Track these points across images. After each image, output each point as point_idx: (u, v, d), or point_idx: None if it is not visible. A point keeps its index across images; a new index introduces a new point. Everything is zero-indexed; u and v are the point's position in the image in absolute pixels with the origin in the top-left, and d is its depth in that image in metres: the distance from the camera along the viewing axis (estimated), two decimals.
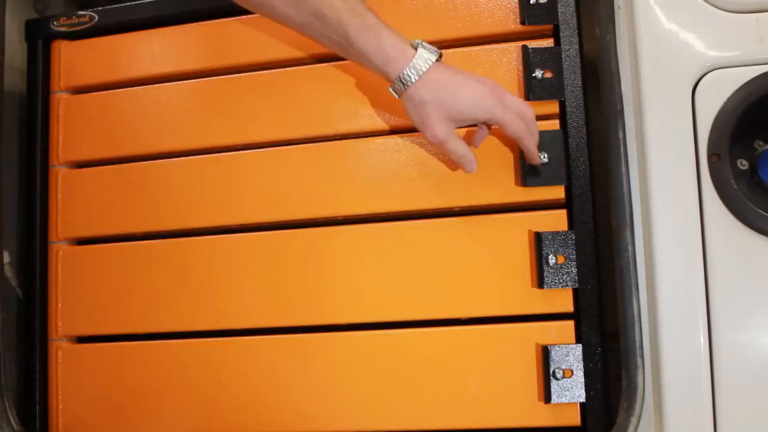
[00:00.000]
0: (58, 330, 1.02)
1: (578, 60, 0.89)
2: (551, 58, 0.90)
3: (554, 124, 0.89)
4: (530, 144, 0.83)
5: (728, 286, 0.79)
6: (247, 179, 0.97)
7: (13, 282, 1.08)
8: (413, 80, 0.80)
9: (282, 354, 0.94)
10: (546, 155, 0.87)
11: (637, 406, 0.79)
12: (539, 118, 0.87)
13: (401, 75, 0.80)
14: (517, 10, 0.92)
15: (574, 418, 0.86)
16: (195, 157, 0.99)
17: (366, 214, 0.93)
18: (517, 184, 0.89)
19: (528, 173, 0.88)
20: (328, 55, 0.94)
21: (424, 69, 0.80)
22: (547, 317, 0.88)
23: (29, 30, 1.08)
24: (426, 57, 0.80)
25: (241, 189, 0.97)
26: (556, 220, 0.88)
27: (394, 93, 0.83)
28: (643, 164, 0.83)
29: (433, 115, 0.80)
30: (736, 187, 0.80)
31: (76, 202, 1.04)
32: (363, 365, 0.91)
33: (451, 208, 0.92)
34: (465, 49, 0.93)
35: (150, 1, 1.05)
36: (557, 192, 0.88)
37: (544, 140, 0.87)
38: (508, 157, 0.90)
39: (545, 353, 0.85)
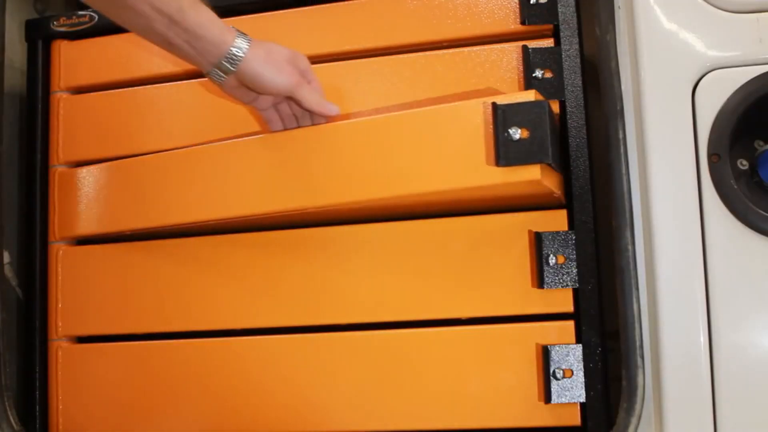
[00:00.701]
0: (58, 330, 1.02)
1: (578, 60, 0.89)
2: (551, 58, 0.90)
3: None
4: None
5: (728, 286, 0.79)
6: (246, 175, 0.97)
7: (13, 282, 1.08)
8: (250, 42, 0.82)
9: (281, 354, 0.94)
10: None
11: (637, 406, 0.79)
12: None
13: (240, 39, 0.81)
14: (517, 10, 0.92)
15: (574, 418, 0.86)
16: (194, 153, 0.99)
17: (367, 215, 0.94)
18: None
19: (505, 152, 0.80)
20: None
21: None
22: (547, 317, 0.88)
23: (29, 30, 1.09)
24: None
25: (241, 187, 0.97)
26: (556, 220, 0.88)
27: (227, 65, 0.82)
28: (643, 164, 0.83)
29: (284, 61, 0.84)
30: (736, 187, 0.80)
31: (76, 202, 1.04)
32: (363, 365, 0.91)
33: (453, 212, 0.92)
34: (465, 49, 0.93)
35: None
36: (533, 172, 0.78)
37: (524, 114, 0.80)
38: None
39: (545, 353, 0.85)
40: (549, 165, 0.78)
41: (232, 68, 0.82)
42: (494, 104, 0.77)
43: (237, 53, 0.81)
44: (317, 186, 0.86)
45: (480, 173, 0.78)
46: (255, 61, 0.82)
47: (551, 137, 0.76)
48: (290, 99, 0.88)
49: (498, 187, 0.79)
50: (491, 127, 0.77)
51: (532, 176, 0.76)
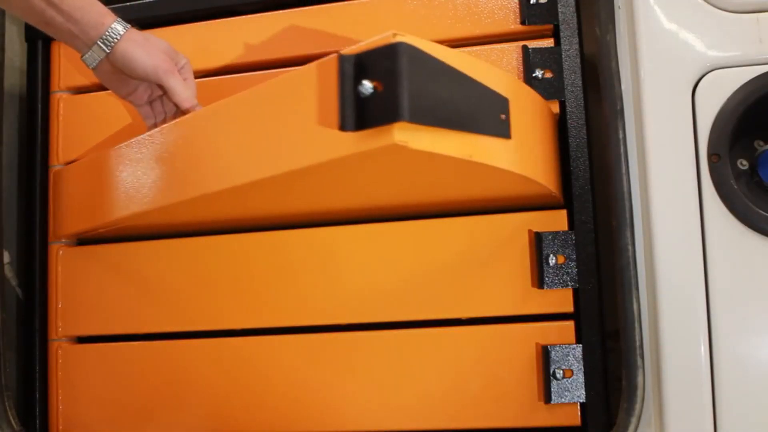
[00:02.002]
0: (58, 330, 1.02)
1: (578, 60, 0.89)
2: (551, 58, 0.90)
3: None
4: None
5: (728, 286, 0.79)
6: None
7: (13, 282, 1.08)
8: (129, 28, 0.83)
9: (281, 354, 0.94)
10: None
11: (637, 406, 0.79)
12: None
13: (117, 24, 0.82)
14: (517, 10, 0.92)
15: (574, 418, 0.86)
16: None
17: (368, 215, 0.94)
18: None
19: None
20: None
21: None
22: (547, 317, 0.88)
23: (29, 30, 1.09)
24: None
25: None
26: (556, 220, 0.88)
27: (102, 46, 0.82)
28: (643, 164, 0.83)
29: (159, 50, 0.84)
30: (736, 187, 0.80)
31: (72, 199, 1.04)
32: (363, 365, 0.91)
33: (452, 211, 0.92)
34: (465, 49, 0.93)
35: (150, 1, 1.05)
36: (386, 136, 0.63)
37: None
38: None
39: (545, 353, 0.85)
40: (431, 126, 0.61)
41: (106, 50, 0.82)
42: (339, 55, 0.61)
43: (112, 34, 0.82)
44: (182, 178, 0.81)
45: (327, 144, 0.64)
46: (128, 43, 0.83)
47: (411, 86, 0.59)
48: (164, 95, 0.88)
49: (355, 159, 0.64)
50: (335, 83, 0.62)
51: (386, 141, 0.59)
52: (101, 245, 1.03)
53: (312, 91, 0.65)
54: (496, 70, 0.72)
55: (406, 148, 0.60)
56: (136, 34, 0.84)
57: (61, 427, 1.01)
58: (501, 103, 0.70)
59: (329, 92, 0.63)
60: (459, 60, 0.65)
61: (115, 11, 0.85)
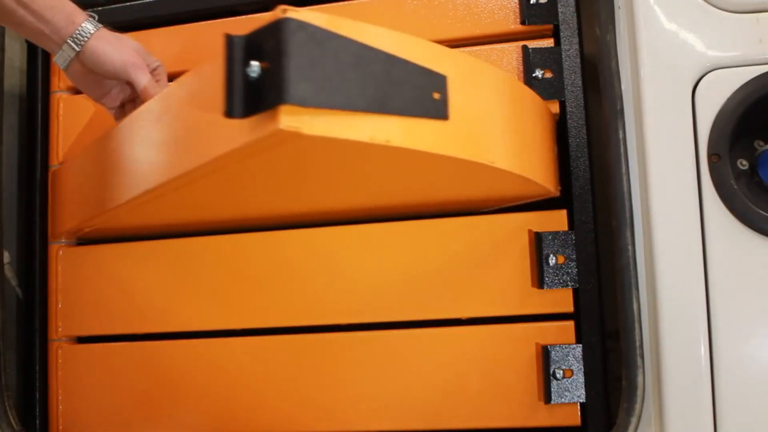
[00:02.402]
0: (58, 330, 1.02)
1: (578, 60, 0.89)
2: (551, 58, 0.90)
3: None
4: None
5: (728, 286, 0.79)
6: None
7: (13, 282, 1.08)
8: (100, 27, 0.82)
9: (282, 354, 0.94)
10: None
11: (637, 406, 0.79)
12: None
13: (88, 23, 0.82)
14: (517, 10, 0.92)
15: (574, 418, 0.86)
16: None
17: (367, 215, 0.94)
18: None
19: None
20: None
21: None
22: (547, 317, 0.88)
23: None
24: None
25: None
26: (556, 220, 0.88)
27: (73, 44, 0.82)
28: (643, 164, 0.83)
29: (130, 48, 0.84)
30: (736, 187, 0.80)
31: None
32: (363, 365, 0.91)
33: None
34: (465, 49, 0.93)
35: (150, 1, 1.05)
36: (270, 122, 0.55)
37: None
38: None
39: (545, 353, 0.85)
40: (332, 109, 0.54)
41: (76, 48, 0.82)
42: (227, 35, 0.55)
43: (83, 33, 0.81)
44: (118, 183, 0.82)
45: (222, 136, 0.59)
46: (98, 41, 0.82)
47: (299, 65, 0.52)
48: (137, 98, 0.87)
49: (246, 152, 0.58)
50: (223, 67, 0.55)
51: (272, 127, 0.52)
52: (101, 245, 1.03)
53: (209, 80, 0.61)
54: (435, 46, 0.64)
55: (299, 135, 0.53)
56: (107, 33, 0.83)
57: (61, 427, 1.01)
58: (434, 81, 0.62)
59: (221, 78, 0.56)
60: (378, 36, 0.58)
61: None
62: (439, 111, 0.62)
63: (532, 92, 0.82)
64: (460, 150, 0.64)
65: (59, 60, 0.84)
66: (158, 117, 0.74)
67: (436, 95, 0.62)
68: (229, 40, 0.55)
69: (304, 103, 0.52)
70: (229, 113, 0.54)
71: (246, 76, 0.54)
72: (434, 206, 0.92)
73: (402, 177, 0.77)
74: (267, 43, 0.53)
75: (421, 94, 0.61)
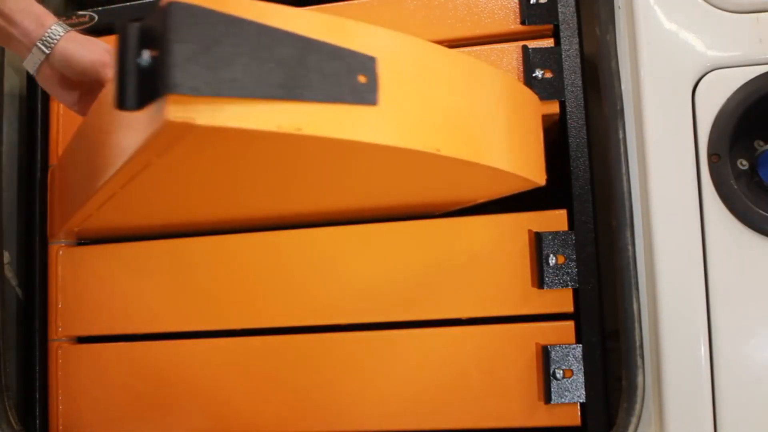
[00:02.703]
0: (58, 330, 1.02)
1: (578, 60, 0.89)
2: (551, 58, 0.90)
3: None
4: None
5: (728, 286, 0.79)
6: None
7: (13, 282, 1.08)
8: (69, 30, 0.81)
9: (282, 354, 0.94)
10: None
11: (637, 406, 0.79)
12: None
13: (57, 26, 0.81)
14: (517, 10, 0.92)
15: (574, 418, 0.86)
16: None
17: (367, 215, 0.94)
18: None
19: None
20: None
21: None
22: (547, 317, 0.88)
23: None
24: None
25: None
26: (556, 220, 0.88)
27: (42, 47, 0.81)
28: (643, 164, 0.83)
29: (101, 48, 0.82)
30: (736, 187, 0.80)
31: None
32: (363, 365, 0.91)
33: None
34: (465, 49, 0.93)
35: (150, 1, 1.05)
36: (157, 115, 0.53)
37: None
38: None
39: (545, 353, 0.85)
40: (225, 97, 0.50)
41: (45, 51, 0.81)
42: (121, 23, 0.53)
43: (52, 35, 0.81)
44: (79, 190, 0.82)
45: (129, 134, 0.56)
46: (68, 42, 0.81)
47: (185, 52, 0.48)
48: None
49: (156, 148, 0.55)
50: (116, 57, 0.53)
51: (160, 118, 0.49)
52: (101, 245, 1.03)
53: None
54: (367, 26, 0.59)
55: (192, 126, 0.49)
56: (77, 35, 0.82)
57: (61, 427, 1.01)
58: (360, 64, 0.57)
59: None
60: (292, 18, 0.55)
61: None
62: (365, 96, 0.57)
63: (504, 75, 0.75)
64: (394, 138, 0.59)
65: (29, 64, 0.83)
66: (99, 116, 0.73)
67: (362, 79, 0.57)
68: (123, 28, 0.52)
69: (196, 91, 0.49)
70: (121, 105, 0.52)
71: (138, 65, 0.51)
72: (428, 206, 0.92)
73: (373, 175, 0.74)
74: (156, 30, 0.50)
75: (342, 78, 0.56)
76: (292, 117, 0.53)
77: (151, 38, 0.51)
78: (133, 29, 0.52)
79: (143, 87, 0.51)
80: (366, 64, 0.58)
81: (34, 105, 1.07)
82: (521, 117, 0.76)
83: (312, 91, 0.54)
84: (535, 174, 0.78)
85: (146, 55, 0.51)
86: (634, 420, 0.79)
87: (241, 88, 0.50)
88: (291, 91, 0.53)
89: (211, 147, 0.59)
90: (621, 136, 0.83)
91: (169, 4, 0.49)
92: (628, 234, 0.82)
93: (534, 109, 0.81)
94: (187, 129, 0.50)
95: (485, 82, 0.71)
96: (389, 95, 0.58)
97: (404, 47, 0.62)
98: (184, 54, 0.48)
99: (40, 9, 0.82)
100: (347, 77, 0.56)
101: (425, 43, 0.64)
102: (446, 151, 0.63)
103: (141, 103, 0.51)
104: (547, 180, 0.80)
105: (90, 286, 1.02)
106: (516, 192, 0.87)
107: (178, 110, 0.48)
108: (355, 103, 0.57)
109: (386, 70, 0.58)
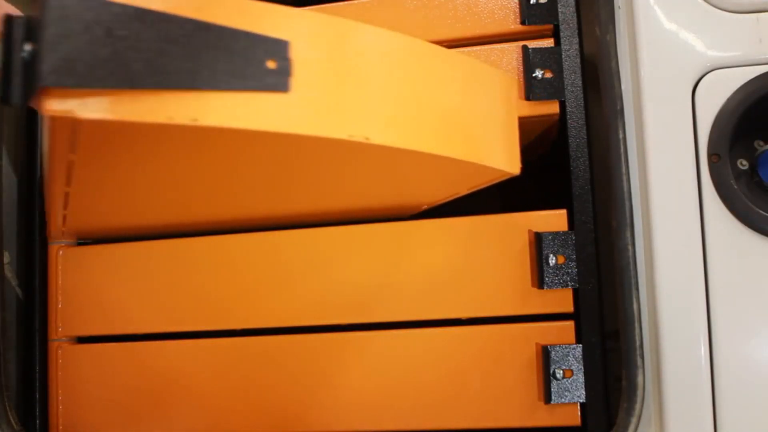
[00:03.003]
0: (58, 330, 1.02)
1: (578, 60, 0.89)
2: (551, 58, 0.90)
3: None
4: None
5: (728, 286, 0.79)
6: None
7: (13, 282, 1.08)
8: None
9: (284, 354, 0.94)
10: None
11: (637, 406, 0.79)
12: (540, 117, 0.87)
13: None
14: (517, 10, 0.92)
15: (574, 418, 0.86)
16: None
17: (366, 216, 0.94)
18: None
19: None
20: None
21: None
22: (547, 317, 0.88)
23: None
24: None
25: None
26: (556, 220, 0.88)
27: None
28: (643, 164, 0.83)
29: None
30: (736, 187, 0.80)
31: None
32: (362, 365, 0.91)
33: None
34: (465, 49, 0.93)
35: None
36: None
37: None
38: None
39: (545, 353, 0.85)
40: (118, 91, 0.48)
41: None
42: (5, 16, 0.50)
43: None
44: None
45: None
46: None
47: (60, 43, 0.46)
48: None
49: (59, 146, 0.54)
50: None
51: (44, 113, 0.48)
52: (101, 245, 1.03)
53: None
54: (282, 8, 0.55)
55: (76, 120, 0.48)
56: None
57: (61, 427, 1.01)
58: (268, 48, 0.54)
59: None
60: (194, 4, 0.51)
61: None
62: (275, 82, 0.54)
63: (457, 55, 0.70)
64: (310, 126, 0.54)
65: None
66: None
67: (271, 64, 0.53)
68: (8, 20, 0.50)
69: (75, 84, 0.46)
70: (5, 99, 0.49)
71: (22, 59, 0.49)
72: (417, 203, 0.92)
73: (354, 174, 0.71)
74: (35, 21, 0.48)
75: (247, 64, 0.53)
76: (187, 107, 0.50)
77: (33, 30, 0.48)
78: (19, 21, 0.49)
79: (26, 81, 0.48)
80: (276, 48, 0.54)
81: None
82: (484, 100, 0.71)
83: (209, 80, 0.51)
84: (503, 162, 0.71)
85: (27, 48, 0.48)
86: (634, 420, 0.79)
87: (124, 78, 0.48)
88: (183, 79, 0.50)
89: (128, 142, 0.56)
90: (621, 136, 0.83)
91: None
92: (628, 234, 0.82)
93: (502, 91, 0.74)
94: (76, 123, 0.48)
95: (436, 65, 0.65)
96: (307, 81, 0.54)
97: (328, 29, 0.57)
98: (59, 45, 0.46)
99: (9, 7, 0.81)
100: (253, 63, 0.53)
101: (355, 23, 0.59)
102: (378, 140, 0.59)
103: (25, 97, 0.49)
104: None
105: (90, 286, 1.02)
106: (492, 183, 0.82)
107: (56, 103, 0.47)
108: (263, 90, 0.53)
109: (304, 55, 0.54)
